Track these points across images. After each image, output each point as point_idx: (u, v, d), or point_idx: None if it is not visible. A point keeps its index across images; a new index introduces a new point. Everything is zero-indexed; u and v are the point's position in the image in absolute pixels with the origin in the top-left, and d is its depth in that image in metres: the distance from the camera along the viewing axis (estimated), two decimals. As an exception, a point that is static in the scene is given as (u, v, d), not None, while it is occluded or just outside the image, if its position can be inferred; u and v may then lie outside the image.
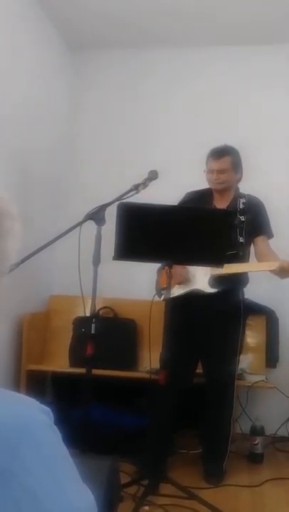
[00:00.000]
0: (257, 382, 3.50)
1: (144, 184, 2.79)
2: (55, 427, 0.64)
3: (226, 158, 3.03)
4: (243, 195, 3.13)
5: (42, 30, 3.85)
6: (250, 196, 3.14)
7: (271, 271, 2.76)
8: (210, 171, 3.04)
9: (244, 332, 3.19)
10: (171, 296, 2.93)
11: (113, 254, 2.65)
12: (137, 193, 2.75)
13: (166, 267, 2.65)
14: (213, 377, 3.06)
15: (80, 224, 2.46)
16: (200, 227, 2.54)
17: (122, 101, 4.30)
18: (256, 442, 3.40)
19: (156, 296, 3.02)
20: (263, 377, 3.55)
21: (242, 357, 3.66)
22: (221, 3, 3.65)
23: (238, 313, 3.10)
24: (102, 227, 2.52)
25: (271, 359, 3.74)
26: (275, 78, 4.12)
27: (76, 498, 0.62)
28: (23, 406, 0.63)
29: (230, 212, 2.70)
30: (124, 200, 2.62)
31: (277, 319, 3.82)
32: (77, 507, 0.61)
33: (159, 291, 3.05)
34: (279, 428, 3.74)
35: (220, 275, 2.87)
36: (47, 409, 0.65)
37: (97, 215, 2.49)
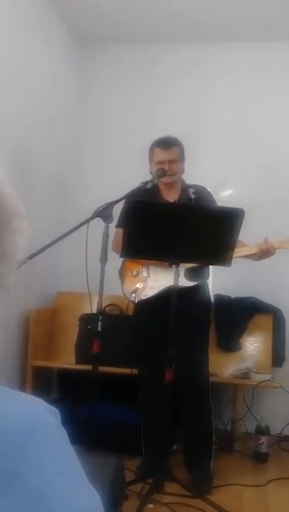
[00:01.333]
0: (263, 381, 3.49)
1: (152, 182, 2.78)
2: (62, 427, 0.64)
3: (174, 148, 2.94)
4: (190, 186, 3.04)
5: (52, 26, 3.86)
6: (197, 186, 3.06)
7: (252, 255, 2.76)
8: (159, 163, 2.90)
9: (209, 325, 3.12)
10: (146, 297, 2.89)
11: (120, 252, 2.65)
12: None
13: (174, 265, 2.63)
14: (184, 371, 2.89)
15: (87, 221, 2.46)
16: (208, 225, 2.53)
17: (129, 97, 4.28)
18: (261, 442, 3.40)
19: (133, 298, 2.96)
20: (268, 377, 3.54)
21: (248, 356, 3.68)
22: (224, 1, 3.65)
23: (207, 305, 3.07)
24: (110, 224, 2.51)
25: (277, 358, 3.73)
26: (279, 73, 4.11)
27: (83, 499, 0.62)
28: (31, 407, 0.63)
29: (239, 211, 2.66)
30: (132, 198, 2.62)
31: (284, 319, 3.81)
32: (84, 509, 0.61)
33: (128, 294, 2.96)
34: (284, 427, 3.72)
35: (193, 268, 2.83)
36: (54, 409, 0.65)
37: (104, 213, 2.48)
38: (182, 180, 3.07)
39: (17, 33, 3.31)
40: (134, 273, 2.98)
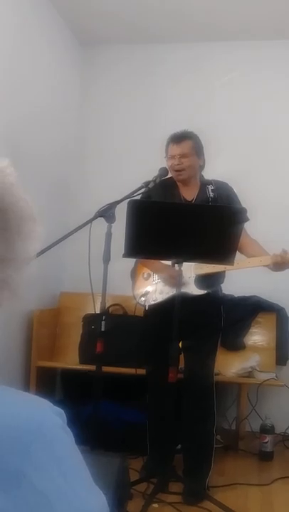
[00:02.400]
0: (267, 380, 3.49)
1: (155, 181, 2.76)
2: (67, 429, 0.64)
3: (187, 142, 2.84)
4: (209, 182, 2.95)
5: (53, 26, 3.87)
6: (217, 181, 2.96)
7: (266, 266, 2.69)
8: (172, 157, 2.84)
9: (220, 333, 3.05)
10: (155, 302, 2.87)
11: (123, 252, 2.65)
12: (147, 190, 2.72)
13: (176, 265, 2.63)
14: (188, 377, 2.86)
15: (90, 221, 2.46)
16: (210, 224, 2.52)
17: (131, 97, 4.28)
18: (266, 440, 3.39)
19: (143, 301, 2.93)
20: (273, 375, 3.54)
21: (252, 355, 3.68)
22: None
23: (219, 313, 2.97)
24: (113, 224, 2.51)
25: (281, 357, 3.73)
26: (283, 71, 4.11)
27: (88, 500, 0.62)
28: (36, 407, 0.63)
29: (241, 210, 2.65)
30: (135, 198, 2.61)
31: (288, 317, 3.80)
32: (89, 510, 0.61)
33: (138, 297, 2.94)
34: (289, 426, 3.72)
35: (204, 275, 2.78)
36: (60, 410, 0.65)
37: (107, 213, 2.48)
38: (201, 176, 2.99)
39: (19, 33, 3.32)
40: (145, 276, 2.96)
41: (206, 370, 2.89)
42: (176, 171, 2.86)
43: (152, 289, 2.91)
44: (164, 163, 2.89)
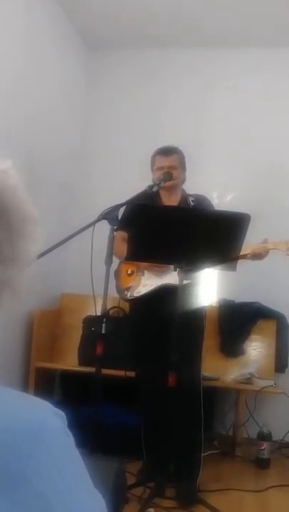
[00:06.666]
0: (265, 387, 3.48)
1: (158, 185, 2.78)
2: (68, 431, 0.64)
3: (174, 156, 2.98)
4: (190, 195, 3.06)
5: (61, 29, 3.88)
6: (197, 195, 3.08)
7: (244, 255, 2.68)
8: (159, 169, 2.94)
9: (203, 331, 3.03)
10: (138, 294, 2.90)
11: (126, 255, 2.65)
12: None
13: (178, 269, 2.63)
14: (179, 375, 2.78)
15: (93, 223, 2.46)
16: (214, 229, 2.52)
17: (136, 101, 4.28)
18: (263, 447, 3.39)
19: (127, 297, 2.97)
20: (271, 382, 3.53)
21: (251, 361, 3.68)
22: (230, 5, 3.67)
23: (201, 310, 2.96)
24: (116, 227, 2.51)
25: (280, 364, 3.72)
26: (282, 79, 4.12)
27: (87, 504, 0.62)
28: (38, 410, 0.63)
29: (245, 215, 2.64)
30: (139, 202, 2.62)
31: (288, 325, 3.79)
32: None
33: (122, 292, 2.99)
34: (287, 434, 3.70)
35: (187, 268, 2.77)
36: (61, 412, 0.65)
37: (110, 215, 2.48)
38: (183, 190, 3.08)
39: (27, 34, 3.32)
40: (129, 272, 3.00)
41: (192, 371, 2.88)
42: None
43: (136, 283, 2.95)
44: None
